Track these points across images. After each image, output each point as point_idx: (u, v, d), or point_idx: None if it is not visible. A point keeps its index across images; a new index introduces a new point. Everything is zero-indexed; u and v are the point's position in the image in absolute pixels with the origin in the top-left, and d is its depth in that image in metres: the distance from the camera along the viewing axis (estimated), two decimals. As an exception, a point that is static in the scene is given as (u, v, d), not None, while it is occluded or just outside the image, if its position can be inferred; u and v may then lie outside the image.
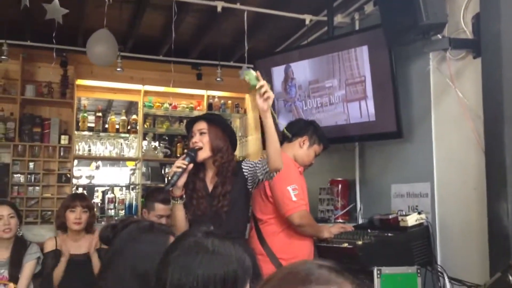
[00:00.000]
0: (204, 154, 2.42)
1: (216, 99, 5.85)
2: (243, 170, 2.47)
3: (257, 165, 2.42)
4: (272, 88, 3.94)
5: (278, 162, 2.31)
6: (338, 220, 3.63)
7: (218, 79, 4.56)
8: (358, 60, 3.37)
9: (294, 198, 2.62)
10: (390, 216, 2.80)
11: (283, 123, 2.47)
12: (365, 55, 3.33)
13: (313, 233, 2.75)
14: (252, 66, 4.11)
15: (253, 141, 5.77)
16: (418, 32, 2.66)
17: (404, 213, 2.80)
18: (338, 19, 3.96)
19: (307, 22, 4.12)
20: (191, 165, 2.33)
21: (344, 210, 3.72)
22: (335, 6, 3.93)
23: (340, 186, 3.77)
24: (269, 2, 4.00)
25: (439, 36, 2.76)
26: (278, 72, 3.93)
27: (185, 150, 2.44)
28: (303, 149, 2.88)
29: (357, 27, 3.85)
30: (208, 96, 5.80)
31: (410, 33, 2.73)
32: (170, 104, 5.68)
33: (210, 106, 5.80)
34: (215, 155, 2.43)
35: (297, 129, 2.92)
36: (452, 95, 2.83)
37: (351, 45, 3.43)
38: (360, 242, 2.52)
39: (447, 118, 2.95)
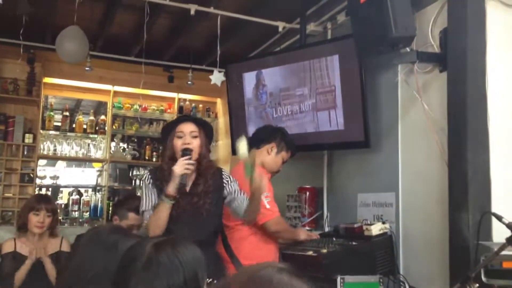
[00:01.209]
0: (194, 156, 2.39)
1: (187, 102, 5.81)
2: (223, 183, 2.49)
3: (238, 198, 2.48)
4: (243, 94, 3.97)
5: (255, 219, 2.52)
6: (305, 228, 3.64)
7: (189, 82, 4.52)
8: (329, 69, 3.40)
9: (268, 206, 2.64)
10: (355, 225, 2.83)
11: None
12: (335, 65, 3.37)
13: (290, 237, 2.79)
14: (223, 70, 4.10)
15: (223, 146, 5.75)
16: (387, 44, 2.69)
17: (369, 222, 2.83)
18: (311, 27, 3.99)
19: (280, 29, 4.14)
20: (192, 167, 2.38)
21: (311, 218, 3.73)
22: (308, 15, 3.96)
23: (307, 193, 3.78)
24: (243, 7, 4.00)
25: (408, 49, 2.81)
26: (249, 78, 3.93)
27: (183, 149, 2.37)
28: (271, 155, 2.88)
29: (329, 36, 3.89)
30: (179, 99, 5.75)
31: (379, 45, 2.76)
32: (140, 106, 5.61)
33: (181, 109, 5.75)
34: (200, 160, 2.42)
35: (265, 135, 2.92)
36: (418, 107, 2.88)
37: (323, 54, 3.45)
38: (324, 251, 2.53)
39: (413, 129, 2.99)
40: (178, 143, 2.39)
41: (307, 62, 3.54)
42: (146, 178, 2.44)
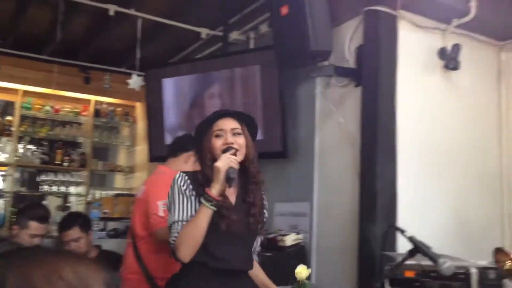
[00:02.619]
0: (240, 156, 1.88)
1: (104, 106, 5.59)
2: (264, 202, 2.05)
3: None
4: (162, 100, 3.87)
5: None
6: (222, 237, 3.60)
7: (105, 85, 4.35)
8: (250, 79, 3.41)
9: (161, 214, 2.49)
10: (270, 236, 2.84)
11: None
12: (257, 75, 3.38)
13: None
14: (143, 74, 3.99)
15: (140, 151, 5.58)
16: (306, 57, 2.76)
17: (283, 233, 2.85)
18: (234, 35, 3.99)
19: (203, 35, 4.11)
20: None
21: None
22: (231, 23, 3.96)
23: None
24: (166, 11, 3.92)
25: (326, 63, 2.88)
26: (169, 84, 3.84)
27: (227, 147, 1.86)
28: (188, 164, 2.80)
29: (251, 46, 3.91)
30: (96, 101, 5.52)
31: (299, 58, 2.82)
32: (52, 107, 5.30)
33: (97, 112, 5.52)
34: (248, 164, 1.93)
35: (184, 144, 2.84)
36: (334, 120, 2.97)
37: (244, 64, 3.46)
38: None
39: (329, 141, 3.07)
40: (218, 143, 1.89)
41: (229, 71, 3.53)
42: (182, 181, 1.89)
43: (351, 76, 2.90)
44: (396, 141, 2.61)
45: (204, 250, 1.79)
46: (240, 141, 1.90)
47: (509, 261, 1.80)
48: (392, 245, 2.38)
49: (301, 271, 1.98)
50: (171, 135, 3.71)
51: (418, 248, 1.59)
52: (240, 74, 3.47)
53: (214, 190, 1.77)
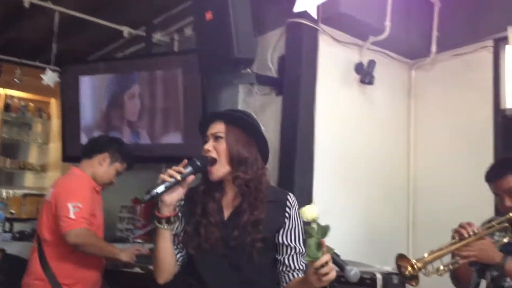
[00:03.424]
0: (221, 169, 1.61)
1: (15, 100, 5.27)
2: (285, 213, 1.68)
3: (291, 252, 1.66)
4: (78, 98, 3.70)
5: None
6: (137, 240, 3.52)
7: (15, 79, 4.11)
8: (172, 82, 3.37)
9: (72, 216, 2.39)
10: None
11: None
12: (179, 78, 3.35)
13: (101, 254, 2.55)
14: (58, 69, 3.81)
15: (54, 149, 5.33)
16: (229, 63, 2.76)
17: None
18: (158, 36, 3.93)
19: (125, 34, 4.00)
20: (191, 178, 1.57)
21: (145, 230, 3.62)
22: (155, 24, 3.89)
23: (142, 205, 3.67)
24: (86, 6, 3.77)
25: (248, 70, 2.91)
26: (87, 82, 3.69)
27: (190, 158, 1.62)
28: (102, 167, 2.71)
29: (176, 48, 3.86)
30: (6, 95, 5.19)
31: (222, 64, 2.81)
32: (-44, 100, 4.92)
33: (7, 107, 5.20)
34: (236, 170, 1.64)
35: (99, 145, 2.74)
36: (255, 127, 2.99)
37: (167, 66, 3.41)
38: (151, 267, 2.45)
39: (249, 148, 3.09)
40: (202, 152, 1.66)
41: (150, 73, 3.46)
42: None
43: (272, 85, 2.95)
44: (314, 151, 2.69)
45: (193, 272, 1.63)
46: (220, 147, 1.63)
47: (409, 267, 1.91)
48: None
49: (308, 210, 1.44)
50: (87, 134, 3.58)
51: (327, 256, 1.65)
52: (162, 76, 3.41)
53: (161, 208, 1.58)
